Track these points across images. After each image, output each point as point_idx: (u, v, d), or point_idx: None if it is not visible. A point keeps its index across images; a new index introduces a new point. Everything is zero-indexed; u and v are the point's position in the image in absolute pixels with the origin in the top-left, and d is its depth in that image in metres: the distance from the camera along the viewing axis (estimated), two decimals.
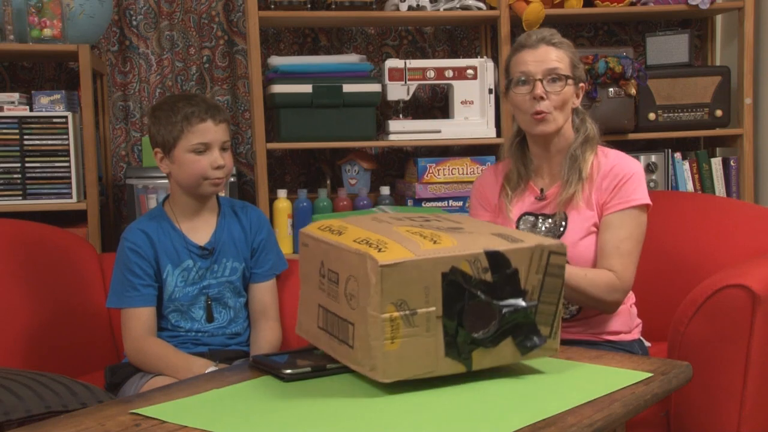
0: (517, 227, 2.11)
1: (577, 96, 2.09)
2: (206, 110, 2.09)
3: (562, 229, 2.05)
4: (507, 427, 1.24)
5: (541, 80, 2.01)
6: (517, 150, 2.15)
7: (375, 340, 1.40)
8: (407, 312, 1.40)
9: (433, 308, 1.41)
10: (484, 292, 1.45)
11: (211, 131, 2.09)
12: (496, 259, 1.45)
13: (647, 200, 2.03)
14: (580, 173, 2.04)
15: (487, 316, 1.45)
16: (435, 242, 1.46)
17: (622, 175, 2.03)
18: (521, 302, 1.47)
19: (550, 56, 2.03)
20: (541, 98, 2.01)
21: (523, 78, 2.04)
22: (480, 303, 1.44)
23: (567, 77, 2.03)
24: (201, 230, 2.18)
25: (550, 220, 2.08)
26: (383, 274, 1.37)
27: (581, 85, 2.09)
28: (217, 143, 2.09)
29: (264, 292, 2.24)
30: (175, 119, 2.08)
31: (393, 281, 1.38)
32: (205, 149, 2.09)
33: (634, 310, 2.15)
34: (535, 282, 1.48)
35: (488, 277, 1.45)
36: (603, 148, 2.11)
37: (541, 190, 2.11)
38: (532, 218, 2.11)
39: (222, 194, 2.36)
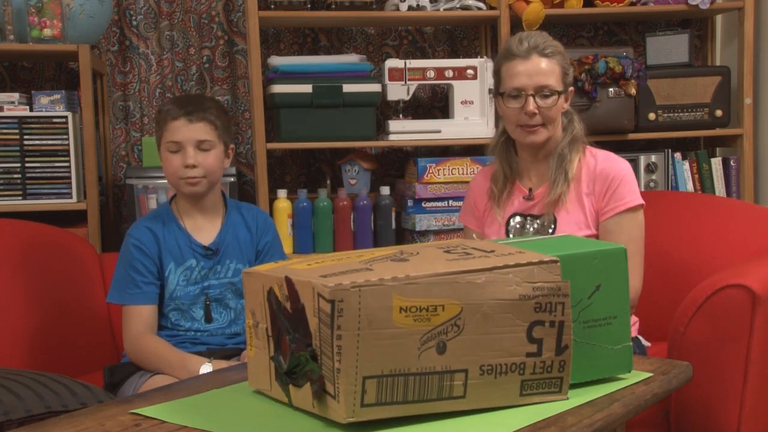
0: (507, 228, 2.11)
1: (566, 100, 2.08)
2: (181, 108, 2.10)
3: (550, 230, 2.05)
4: (507, 427, 1.24)
5: (533, 95, 1.99)
6: (503, 150, 2.14)
7: None
8: (255, 322, 1.39)
9: (266, 325, 1.36)
10: (284, 322, 1.29)
11: (183, 130, 2.08)
12: (291, 287, 1.26)
13: (640, 200, 2.03)
14: (566, 174, 2.03)
15: (286, 350, 1.29)
16: (320, 262, 1.34)
17: (613, 177, 2.03)
18: (297, 343, 1.26)
19: (542, 69, 1.99)
20: (533, 113, 2.00)
21: (515, 93, 2.02)
22: (282, 334, 1.30)
23: (559, 92, 2.00)
24: (206, 230, 2.18)
25: (538, 222, 2.07)
26: (243, 281, 1.41)
27: (570, 89, 2.08)
28: (190, 142, 2.09)
29: None
30: (159, 119, 2.14)
31: (247, 290, 1.41)
32: (177, 148, 2.09)
33: None
34: (315, 325, 1.23)
35: (289, 306, 1.28)
36: (591, 149, 2.10)
37: (530, 190, 2.11)
38: (520, 219, 2.10)
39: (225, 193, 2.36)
